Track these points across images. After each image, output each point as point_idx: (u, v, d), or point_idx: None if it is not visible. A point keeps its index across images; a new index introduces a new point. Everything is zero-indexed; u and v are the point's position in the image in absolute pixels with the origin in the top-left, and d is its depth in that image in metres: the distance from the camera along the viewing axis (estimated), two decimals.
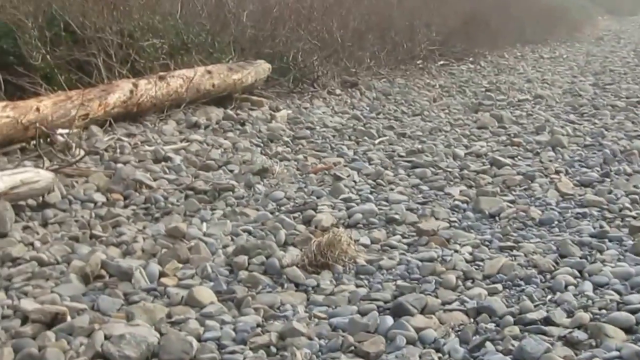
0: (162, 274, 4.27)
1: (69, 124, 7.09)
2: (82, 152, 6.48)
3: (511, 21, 19.32)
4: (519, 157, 7.35)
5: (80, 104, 7.25)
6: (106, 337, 3.42)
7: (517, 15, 20.08)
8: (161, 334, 3.52)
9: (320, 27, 11.35)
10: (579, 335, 3.47)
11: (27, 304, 3.77)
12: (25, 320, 3.68)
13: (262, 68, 9.94)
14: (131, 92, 7.87)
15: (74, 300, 3.93)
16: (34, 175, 5.38)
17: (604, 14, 41.07)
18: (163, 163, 6.59)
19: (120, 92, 7.77)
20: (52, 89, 7.90)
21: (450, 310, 3.83)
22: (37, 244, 4.72)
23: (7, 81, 7.94)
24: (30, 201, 5.39)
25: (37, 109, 6.85)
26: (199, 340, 3.50)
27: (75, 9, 9.02)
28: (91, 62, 8.70)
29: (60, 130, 6.84)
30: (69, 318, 3.64)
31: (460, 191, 6.08)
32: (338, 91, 10.95)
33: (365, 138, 8.12)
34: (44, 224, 5.14)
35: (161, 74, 8.46)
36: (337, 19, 11.77)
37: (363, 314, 3.80)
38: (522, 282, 4.20)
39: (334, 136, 8.24)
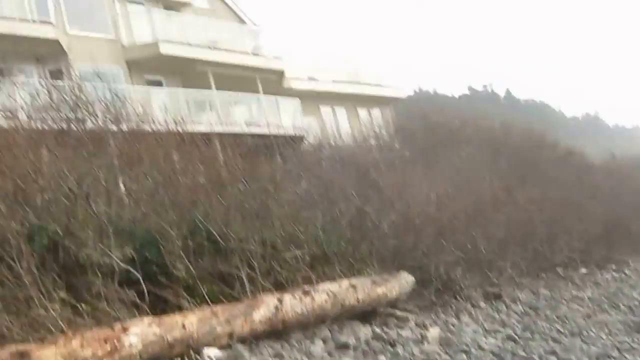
0: None
1: (213, 341, 6.71)
2: None
3: None
4: None
5: (225, 320, 6.89)
6: None
7: None
8: None
9: (463, 238, 10.84)
10: None
11: None
12: None
13: (405, 280, 9.45)
14: (276, 308, 7.48)
15: None
16: None
17: None
18: None
19: (265, 308, 7.39)
20: (194, 302, 7.58)
21: None
22: None
23: (149, 292, 7.69)
24: None
25: (183, 326, 6.51)
26: None
27: (218, 218, 8.82)
28: (233, 274, 8.40)
29: (207, 350, 6.43)
30: None
31: None
32: (482, 304, 10.30)
33: None
34: None
35: (306, 288, 8.06)
36: (480, 229, 11.26)
37: None
38: None
39: None
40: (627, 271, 14.65)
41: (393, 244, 10.20)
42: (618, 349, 8.22)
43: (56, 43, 15.74)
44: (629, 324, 9.56)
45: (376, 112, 25.01)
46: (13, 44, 13.51)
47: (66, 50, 16.17)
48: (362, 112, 24.78)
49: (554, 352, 7.97)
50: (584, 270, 13.86)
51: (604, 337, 8.88)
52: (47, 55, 16.06)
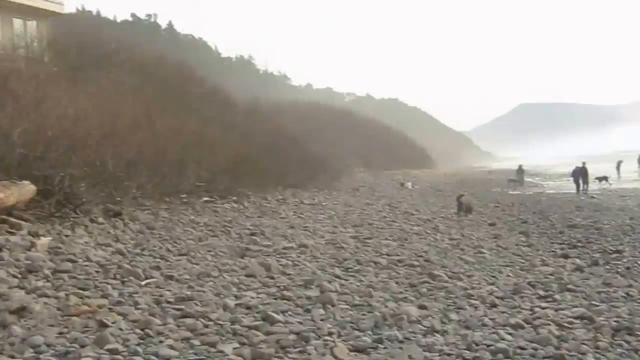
0: None
1: None
2: None
3: (276, 164, 19.92)
4: (290, 312, 7.06)
5: None
6: None
7: (282, 159, 20.76)
8: None
9: (93, 154, 10.97)
10: None
11: None
12: None
13: (26, 189, 9.38)
14: None
15: None
16: None
17: (361, 166, 43.74)
18: None
19: None
20: None
21: None
22: None
23: None
24: None
25: None
26: None
27: None
28: None
29: None
30: None
31: (234, 349, 5.80)
32: (101, 219, 10.55)
33: (131, 278, 7.69)
34: None
35: None
36: (112, 148, 11.47)
37: None
38: None
39: (97, 272, 7.74)
40: (246, 203, 15.73)
41: (20, 153, 10.04)
42: (219, 270, 8.90)
43: None
44: (234, 249, 10.33)
45: (32, 24, 24.14)
46: None
47: None
48: (18, 23, 23.74)
49: (158, 268, 8.44)
50: (205, 198, 14.66)
51: (209, 258, 9.54)
52: None
